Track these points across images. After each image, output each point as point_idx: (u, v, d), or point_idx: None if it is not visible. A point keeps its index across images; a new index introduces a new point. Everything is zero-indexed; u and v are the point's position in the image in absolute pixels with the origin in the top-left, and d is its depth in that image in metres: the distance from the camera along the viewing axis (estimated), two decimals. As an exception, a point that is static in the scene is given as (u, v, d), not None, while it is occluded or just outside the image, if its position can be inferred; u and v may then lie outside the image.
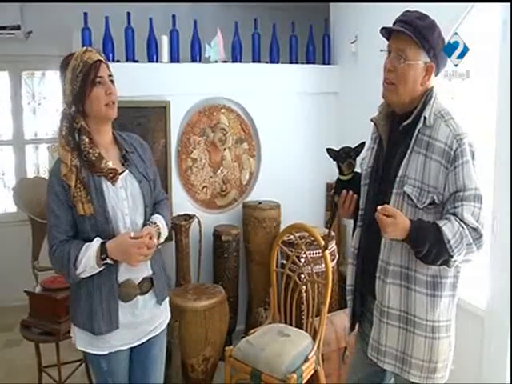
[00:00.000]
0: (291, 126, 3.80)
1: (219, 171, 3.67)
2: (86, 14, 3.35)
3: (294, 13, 4.21)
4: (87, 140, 1.73)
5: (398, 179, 1.59)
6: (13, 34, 4.11)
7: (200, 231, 3.45)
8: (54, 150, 5.07)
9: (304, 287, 2.85)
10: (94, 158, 1.72)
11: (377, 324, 1.69)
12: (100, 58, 1.74)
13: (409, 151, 1.60)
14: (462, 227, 1.49)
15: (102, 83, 1.72)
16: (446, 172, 1.54)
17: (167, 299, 1.96)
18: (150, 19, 3.50)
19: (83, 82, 1.69)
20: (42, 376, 2.93)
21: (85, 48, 1.75)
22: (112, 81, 1.77)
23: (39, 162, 4.75)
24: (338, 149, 1.87)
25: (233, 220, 3.68)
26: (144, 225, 1.82)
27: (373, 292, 1.71)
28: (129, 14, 3.45)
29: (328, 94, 3.79)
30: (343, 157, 1.80)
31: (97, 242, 1.69)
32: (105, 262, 1.68)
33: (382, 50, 1.71)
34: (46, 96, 4.69)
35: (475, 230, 1.50)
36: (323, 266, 2.82)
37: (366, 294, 1.79)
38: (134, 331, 1.81)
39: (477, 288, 2.49)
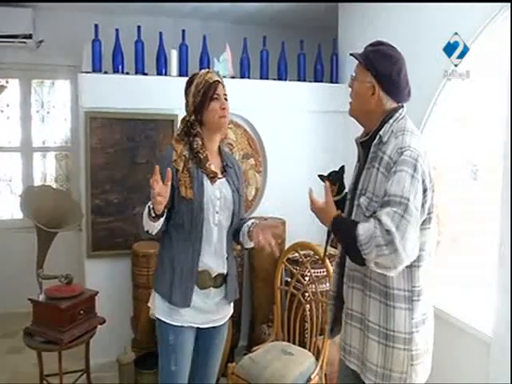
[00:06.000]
0: (298, 144, 3.81)
1: (225, 186, 3.67)
2: (96, 25, 3.39)
3: (303, 31, 4.25)
4: (200, 142, 2.04)
5: (357, 192, 1.74)
6: (24, 42, 4.15)
7: (205, 245, 3.44)
8: (62, 158, 5.06)
9: (308, 306, 2.84)
10: (202, 157, 2.03)
11: (344, 325, 1.82)
12: (218, 79, 2.07)
13: (366, 166, 1.73)
14: (376, 227, 1.51)
15: (218, 99, 2.04)
16: (385, 180, 1.62)
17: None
18: (160, 33, 3.54)
19: (204, 97, 2.03)
20: (44, 384, 2.92)
21: (207, 70, 2.12)
22: (226, 99, 2.08)
23: (46, 170, 4.76)
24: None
25: (238, 235, 3.66)
26: (229, 229, 2.11)
27: None
28: (139, 27, 3.49)
29: (336, 112, 3.75)
30: (323, 181, 1.95)
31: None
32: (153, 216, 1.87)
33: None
34: (55, 105, 4.72)
35: (388, 232, 1.49)
36: (328, 285, 2.81)
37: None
38: (201, 315, 2.07)
39: (483, 314, 2.48)
